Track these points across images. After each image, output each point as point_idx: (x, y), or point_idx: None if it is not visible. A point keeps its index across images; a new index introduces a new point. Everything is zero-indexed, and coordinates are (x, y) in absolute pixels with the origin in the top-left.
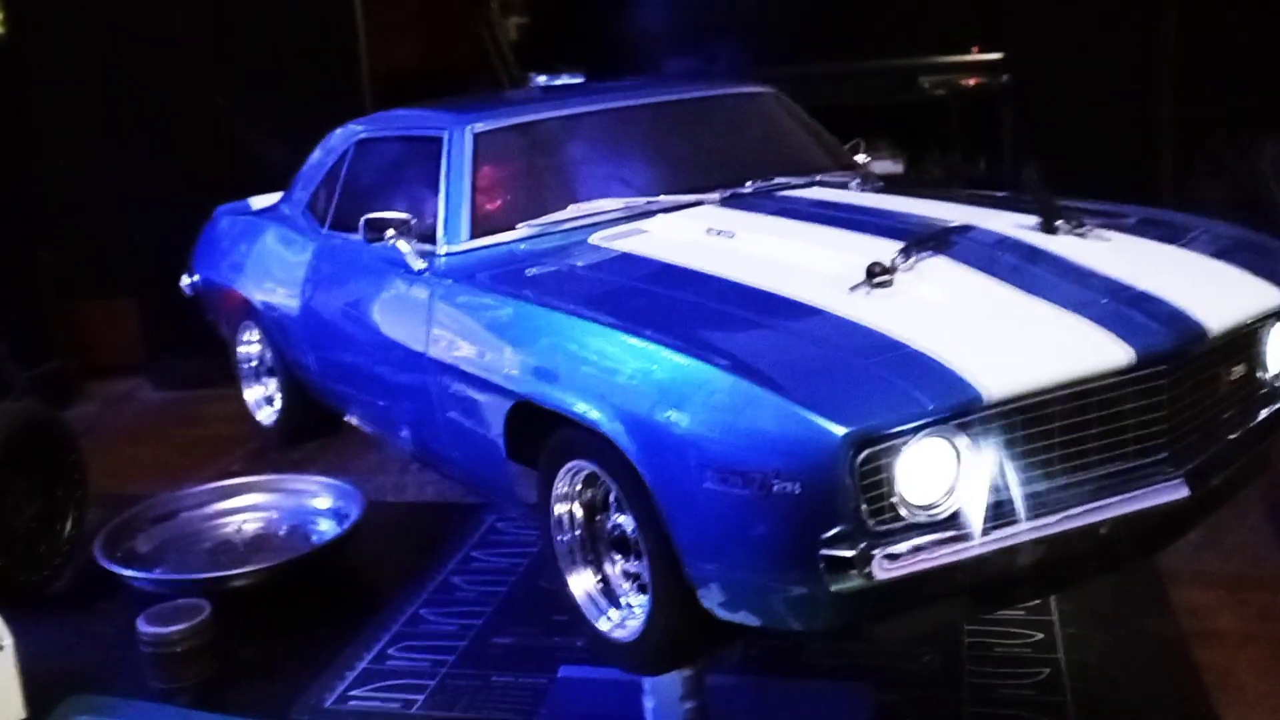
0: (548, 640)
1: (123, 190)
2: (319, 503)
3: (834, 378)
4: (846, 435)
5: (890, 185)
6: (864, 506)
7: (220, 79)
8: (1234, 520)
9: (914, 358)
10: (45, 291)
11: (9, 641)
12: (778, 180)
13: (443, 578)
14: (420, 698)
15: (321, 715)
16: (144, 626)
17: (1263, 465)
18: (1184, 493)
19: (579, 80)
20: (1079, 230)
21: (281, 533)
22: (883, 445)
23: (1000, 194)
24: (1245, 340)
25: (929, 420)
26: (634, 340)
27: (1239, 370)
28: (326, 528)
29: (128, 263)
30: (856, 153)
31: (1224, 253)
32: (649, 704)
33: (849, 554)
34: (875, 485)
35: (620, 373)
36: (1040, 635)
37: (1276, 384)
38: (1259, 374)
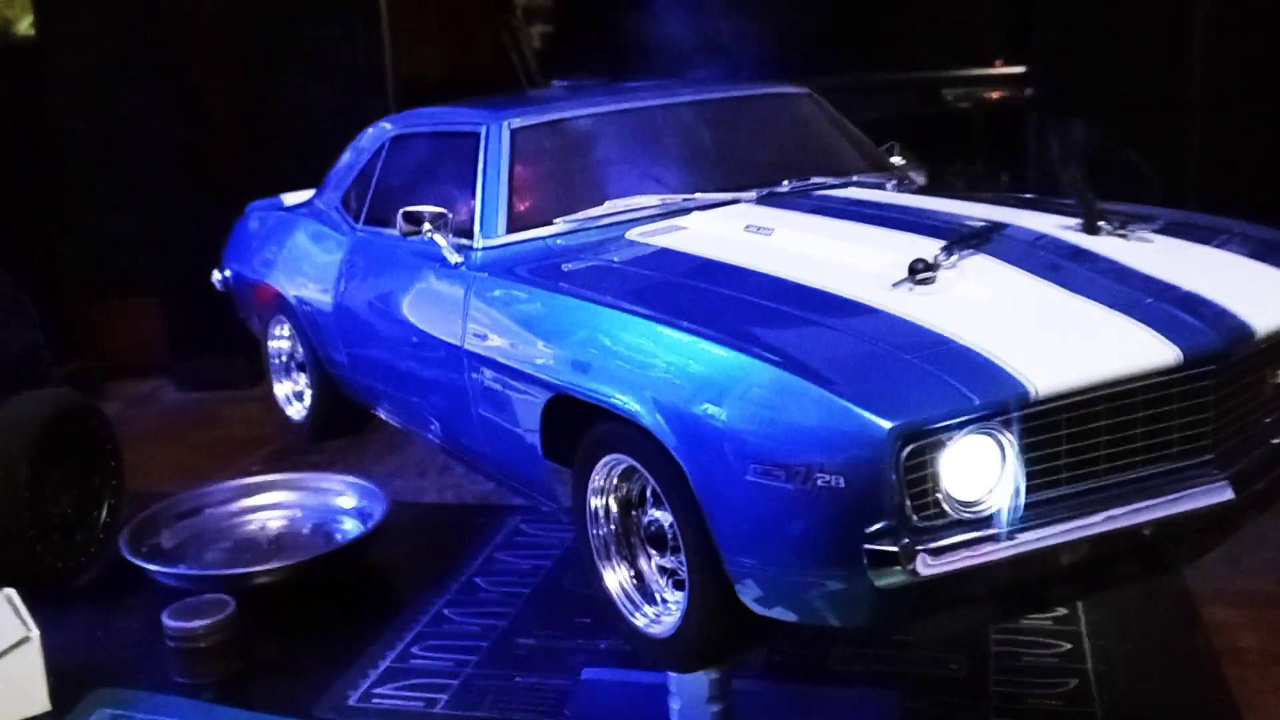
0: (571, 641)
1: (146, 190)
2: (343, 502)
3: (879, 372)
4: (893, 429)
5: (927, 188)
6: (908, 502)
7: (245, 84)
8: (1260, 538)
9: (961, 353)
10: (68, 290)
11: (35, 634)
12: (814, 180)
13: (466, 578)
14: (444, 697)
15: (345, 713)
16: (169, 621)
17: None
18: (1228, 496)
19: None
20: (1121, 231)
21: (306, 531)
22: (928, 440)
23: (1037, 197)
24: None
25: (976, 416)
26: (677, 334)
27: None
28: (351, 527)
29: (151, 263)
30: (892, 154)
31: (1260, 253)
32: (674, 706)
33: (893, 549)
34: (919, 481)
35: (661, 366)
36: (1069, 646)
37: None
38: None
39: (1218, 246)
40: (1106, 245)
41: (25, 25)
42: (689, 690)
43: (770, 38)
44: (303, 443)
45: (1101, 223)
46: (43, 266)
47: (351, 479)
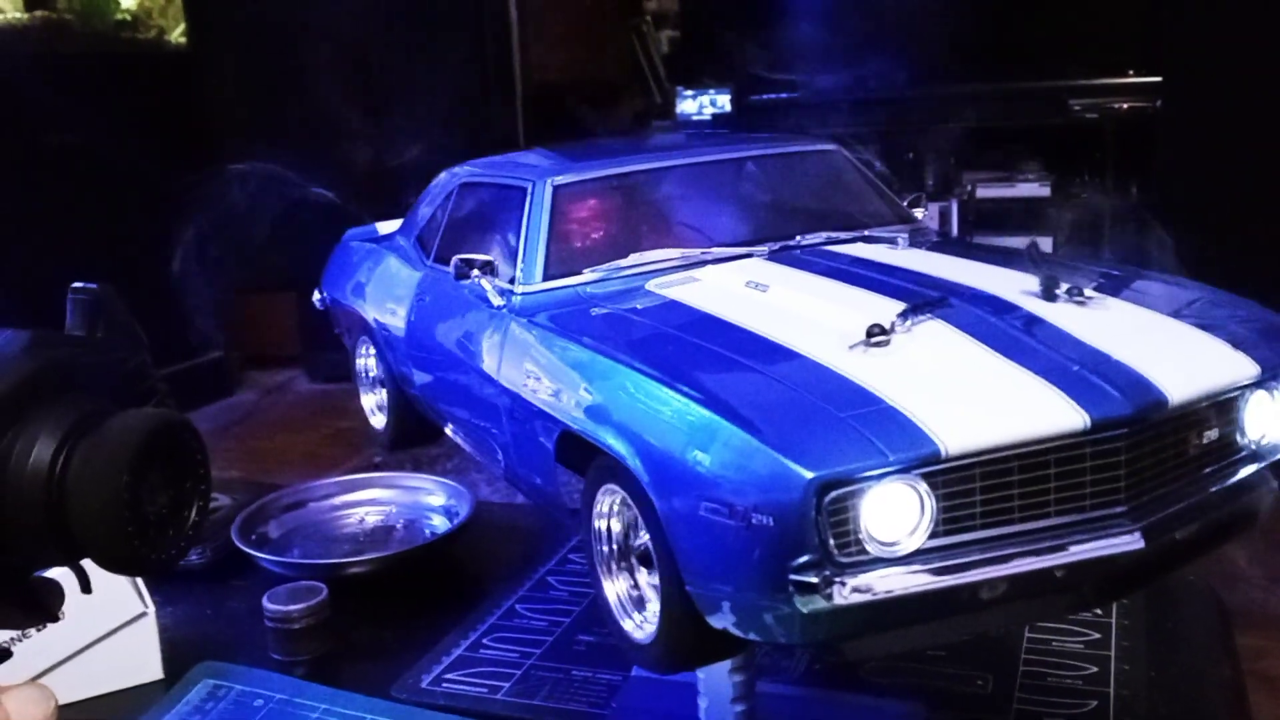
0: None
1: (286, 193)
2: (433, 500)
3: (811, 426)
4: (814, 478)
5: (941, 242)
6: (831, 540)
7: (378, 93)
8: None
9: (887, 412)
10: (212, 285)
11: (151, 610)
12: (826, 235)
13: (540, 576)
14: (506, 685)
15: (418, 694)
16: (267, 604)
17: (1249, 520)
18: (1139, 545)
19: (725, 94)
20: (1078, 299)
21: (399, 526)
22: (849, 488)
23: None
24: (1217, 408)
25: (890, 469)
26: (650, 383)
27: (1212, 434)
28: (439, 523)
29: (288, 260)
30: (916, 206)
31: (1215, 325)
32: (703, 704)
33: (814, 580)
34: (843, 522)
35: (640, 411)
36: (1095, 669)
37: (1255, 447)
38: (1236, 438)
39: (1177, 316)
40: (1057, 312)
41: (177, 34)
42: (716, 690)
43: (898, 46)
44: (414, 441)
45: (1058, 290)
46: (191, 262)
47: (441, 479)
